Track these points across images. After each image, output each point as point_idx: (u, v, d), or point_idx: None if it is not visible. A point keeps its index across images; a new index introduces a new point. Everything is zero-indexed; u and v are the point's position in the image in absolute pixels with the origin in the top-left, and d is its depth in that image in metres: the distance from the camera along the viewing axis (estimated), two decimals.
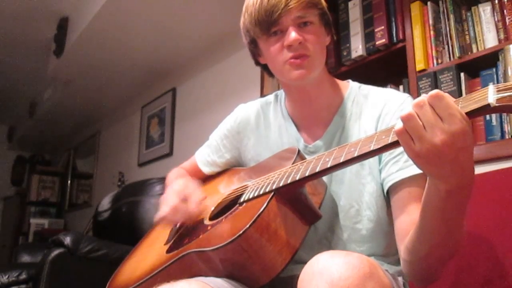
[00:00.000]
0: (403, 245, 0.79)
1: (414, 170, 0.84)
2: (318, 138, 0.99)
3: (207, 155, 1.17)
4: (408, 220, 0.80)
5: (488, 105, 0.54)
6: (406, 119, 0.58)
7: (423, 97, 0.58)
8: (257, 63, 1.04)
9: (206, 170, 1.17)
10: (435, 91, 0.57)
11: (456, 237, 0.71)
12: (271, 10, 0.88)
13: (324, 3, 0.96)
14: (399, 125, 0.60)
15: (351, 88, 1.02)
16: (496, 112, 0.58)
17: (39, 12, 3.05)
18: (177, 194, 0.95)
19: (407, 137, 0.59)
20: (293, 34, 0.88)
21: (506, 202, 1.17)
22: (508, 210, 1.16)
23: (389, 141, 0.63)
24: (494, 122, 1.42)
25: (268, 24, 0.90)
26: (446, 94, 0.58)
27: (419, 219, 0.71)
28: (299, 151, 0.91)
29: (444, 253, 0.74)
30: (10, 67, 3.83)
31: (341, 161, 0.70)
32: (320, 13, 0.94)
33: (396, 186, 0.86)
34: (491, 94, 0.54)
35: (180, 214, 0.93)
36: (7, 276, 2.12)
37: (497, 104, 0.53)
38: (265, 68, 1.03)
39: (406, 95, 0.96)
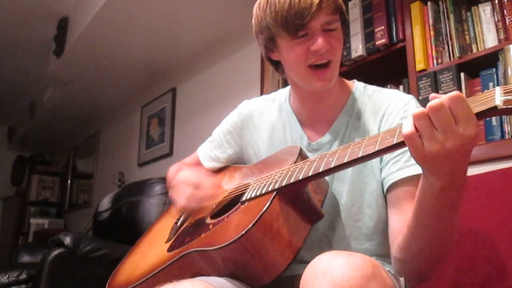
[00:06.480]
0: (395, 244, 0.80)
1: (413, 170, 0.84)
2: (322, 135, 0.99)
3: (209, 150, 1.17)
4: (402, 220, 0.80)
5: (495, 107, 0.54)
6: (418, 117, 0.58)
7: (440, 99, 0.57)
8: (268, 58, 1.03)
9: (208, 165, 1.17)
10: (456, 92, 0.57)
11: (447, 236, 0.72)
12: (302, 13, 0.86)
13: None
14: (407, 127, 0.59)
15: (357, 88, 1.02)
16: (503, 114, 0.58)
17: (39, 12, 3.05)
18: (189, 184, 0.99)
19: (416, 138, 0.59)
20: (321, 41, 0.88)
21: (506, 202, 1.17)
22: (508, 210, 1.16)
23: (394, 142, 0.63)
24: (494, 122, 1.42)
25: (296, 26, 0.88)
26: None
27: (412, 216, 0.72)
28: (301, 149, 0.91)
29: (434, 252, 0.74)
30: (10, 67, 3.83)
31: (344, 161, 0.70)
32: (343, 19, 0.96)
33: (394, 186, 0.86)
34: (498, 96, 0.54)
35: (195, 202, 0.97)
36: (7, 276, 2.12)
37: (504, 106, 0.53)
38: (274, 64, 1.03)
39: (411, 96, 0.96)
